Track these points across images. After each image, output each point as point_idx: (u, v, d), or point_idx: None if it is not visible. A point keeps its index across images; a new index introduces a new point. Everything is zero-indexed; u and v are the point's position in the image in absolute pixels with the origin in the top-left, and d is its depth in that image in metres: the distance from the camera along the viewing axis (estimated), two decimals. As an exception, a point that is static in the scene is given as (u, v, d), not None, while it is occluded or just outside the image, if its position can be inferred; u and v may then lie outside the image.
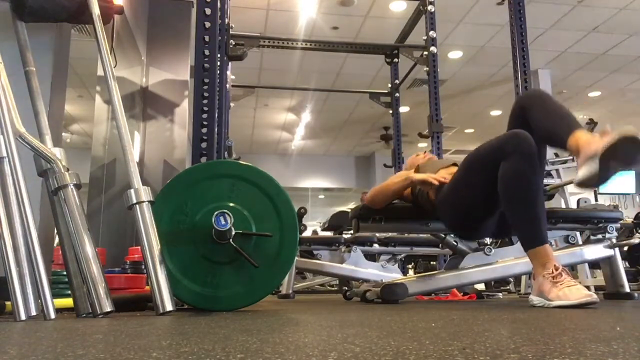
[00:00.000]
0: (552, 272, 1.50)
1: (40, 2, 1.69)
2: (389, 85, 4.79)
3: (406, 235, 3.54)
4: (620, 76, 7.43)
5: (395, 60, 4.73)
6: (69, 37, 2.03)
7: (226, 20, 3.44)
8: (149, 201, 1.49)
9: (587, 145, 1.40)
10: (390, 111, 4.79)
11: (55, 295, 1.40)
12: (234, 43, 3.92)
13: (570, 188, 3.64)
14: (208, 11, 2.40)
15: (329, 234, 5.43)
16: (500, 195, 1.68)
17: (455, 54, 6.76)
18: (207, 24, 2.39)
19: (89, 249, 1.39)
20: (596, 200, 4.28)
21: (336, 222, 5.44)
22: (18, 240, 1.32)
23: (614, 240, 2.10)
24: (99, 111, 3.40)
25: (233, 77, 4.61)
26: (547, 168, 3.70)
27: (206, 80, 2.33)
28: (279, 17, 5.67)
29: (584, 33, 6.17)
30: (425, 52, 3.93)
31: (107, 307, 1.35)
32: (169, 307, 1.39)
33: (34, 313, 1.29)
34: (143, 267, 1.84)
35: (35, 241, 1.34)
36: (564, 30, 6.08)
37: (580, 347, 0.61)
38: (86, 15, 1.70)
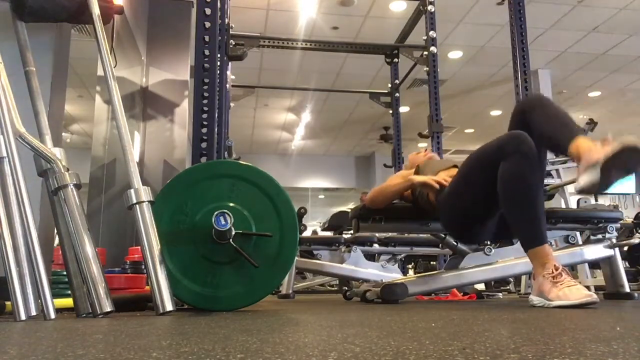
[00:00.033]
0: (552, 272, 1.50)
1: (40, 2, 1.69)
2: (389, 85, 4.79)
3: (406, 235, 3.54)
4: (620, 76, 7.44)
5: (395, 60, 4.73)
6: (69, 37, 2.03)
7: (226, 20, 3.44)
8: (149, 201, 1.49)
9: (588, 153, 1.41)
10: (390, 111, 4.79)
11: (55, 295, 1.40)
12: (234, 43, 3.92)
13: (570, 188, 3.64)
14: (208, 11, 2.40)
15: (329, 234, 5.43)
16: (499, 195, 1.68)
17: (455, 54, 6.76)
18: (207, 24, 2.39)
19: (89, 249, 1.39)
20: (596, 200, 4.28)
21: (336, 222, 5.44)
22: (18, 240, 1.32)
23: (614, 240, 2.10)
24: (99, 111, 3.40)
25: (233, 77, 4.61)
26: (547, 168, 3.70)
27: (206, 80, 2.34)
28: (279, 17, 5.67)
29: (584, 33, 6.17)
30: (425, 52, 3.93)
31: (107, 307, 1.35)
32: (169, 307, 1.39)
33: (34, 313, 1.29)
34: (143, 267, 1.84)
35: (35, 241, 1.34)
36: (564, 30, 6.08)
37: (580, 347, 0.61)
38: (86, 15, 1.70)
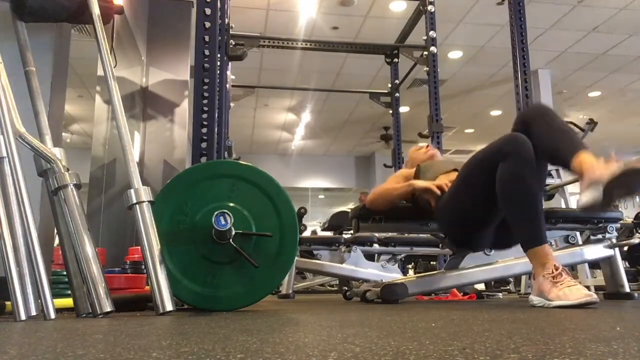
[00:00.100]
0: (552, 272, 1.50)
1: (40, 2, 1.69)
2: (389, 85, 4.80)
3: (406, 235, 3.54)
4: (620, 76, 7.44)
5: (395, 60, 4.73)
6: (69, 37, 2.03)
7: (226, 20, 3.44)
8: (149, 201, 1.49)
9: (591, 170, 1.41)
10: (390, 111, 4.79)
11: (55, 295, 1.40)
12: (234, 43, 3.92)
13: (571, 188, 3.64)
14: (208, 11, 2.40)
15: (328, 234, 5.43)
16: (498, 196, 1.68)
17: (455, 54, 6.76)
18: (207, 24, 2.39)
19: (89, 249, 1.39)
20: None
21: (336, 222, 5.44)
22: (18, 240, 1.32)
23: (614, 240, 2.10)
24: (99, 111, 3.40)
25: (233, 77, 4.61)
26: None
27: (206, 80, 2.34)
28: (279, 17, 5.67)
29: (584, 33, 6.17)
30: (425, 52, 3.93)
31: (107, 307, 1.35)
32: (169, 307, 1.39)
33: (34, 313, 1.29)
34: (143, 267, 1.84)
35: (35, 241, 1.34)
36: (564, 30, 6.08)
37: (580, 347, 0.61)
38: (86, 15, 1.70)
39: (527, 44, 3.52)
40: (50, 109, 1.80)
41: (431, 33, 3.90)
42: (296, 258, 2.44)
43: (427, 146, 2.51)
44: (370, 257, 3.70)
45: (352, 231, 3.52)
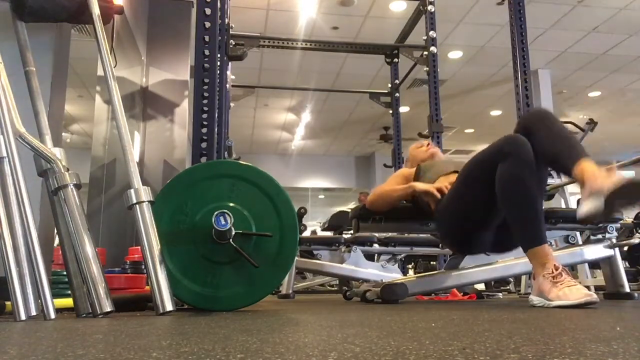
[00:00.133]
0: (552, 272, 1.50)
1: (40, 2, 1.69)
2: (389, 85, 4.80)
3: (406, 235, 3.54)
4: (620, 76, 7.44)
5: (395, 60, 4.73)
6: (69, 37, 2.03)
7: (226, 20, 3.44)
8: (149, 201, 1.49)
9: (593, 179, 1.41)
10: (390, 111, 4.79)
11: (55, 295, 1.40)
12: (234, 43, 3.93)
13: (571, 188, 3.64)
14: (208, 11, 2.40)
15: (329, 234, 5.43)
16: (498, 196, 1.68)
17: (455, 54, 6.76)
18: (207, 24, 2.39)
19: (89, 249, 1.39)
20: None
21: (336, 222, 5.44)
22: (18, 240, 1.32)
23: (614, 240, 2.10)
24: (99, 111, 3.40)
25: (233, 77, 4.61)
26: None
27: (206, 80, 2.34)
28: (279, 17, 5.67)
29: (584, 33, 6.17)
30: (425, 52, 3.93)
31: (107, 307, 1.35)
32: (169, 307, 1.39)
33: (34, 313, 1.29)
34: (143, 267, 1.84)
35: (35, 241, 1.34)
36: (564, 30, 6.08)
37: (580, 347, 0.61)
38: (86, 15, 1.70)
39: (527, 44, 3.52)
40: (50, 109, 1.80)
41: (431, 33, 3.90)
42: (296, 258, 2.44)
43: (428, 144, 2.50)
44: (370, 257, 3.70)
45: (352, 231, 3.52)
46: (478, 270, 2.05)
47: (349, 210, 2.46)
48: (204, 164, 1.98)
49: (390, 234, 3.53)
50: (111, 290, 1.41)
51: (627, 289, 2.13)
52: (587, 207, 1.40)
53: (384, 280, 2.79)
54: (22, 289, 1.28)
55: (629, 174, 1.38)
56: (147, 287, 1.82)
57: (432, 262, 5.37)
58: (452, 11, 5.55)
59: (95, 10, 1.67)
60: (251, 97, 6.93)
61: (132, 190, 1.49)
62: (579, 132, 4.17)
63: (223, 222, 1.48)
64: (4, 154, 1.39)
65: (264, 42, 4.44)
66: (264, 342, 0.71)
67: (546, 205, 2.12)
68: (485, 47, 6.53)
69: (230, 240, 1.52)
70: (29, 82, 1.63)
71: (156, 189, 2.08)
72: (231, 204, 1.58)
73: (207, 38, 2.38)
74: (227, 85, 3.94)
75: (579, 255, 2.11)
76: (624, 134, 10.13)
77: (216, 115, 2.38)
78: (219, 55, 2.56)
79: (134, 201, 1.47)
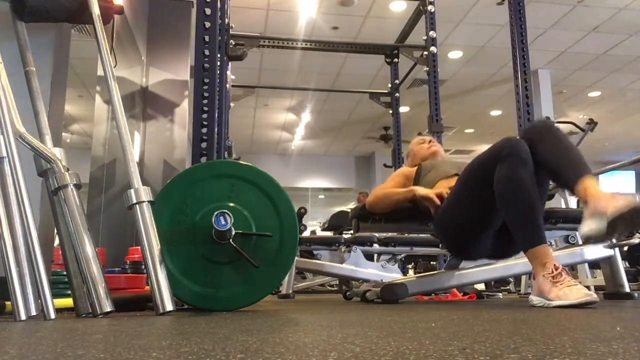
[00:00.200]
0: (552, 272, 1.50)
1: (41, 2, 1.69)
2: (389, 85, 4.80)
3: (406, 235, 3.54)
4: (620, 76, 7.44)
5: (395, 60, 4.73)
6: (69, 37, 2.03)
7: (226, 20, 3.44)
8: (149, 201, 1.49)
9: (596, 200, 1.43)
10: (390, 111, 4.79)
11: (55, 295, 1.40)
12: (234, 43, 3.93)
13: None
14: (208, 11, 2.40)
15: (328, 234, 5.43)
16: (496, 197, 1.68)
17: (455, 54, 6.76)
18: (207, 24, 2.39)
19: (89, 249, 1.39)
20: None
21: (336, 222, 5.44)
22: (18, 240, 1.32)
23: (614, 240, 2.10)
24: (99, 111, 3.40)
25: (233, 77, 4.61)
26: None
27: (206, 80, 2.34)
28: (279, 17, 5.67)
29: (584, 33, 6.17)
30: (425, 52, 3.93)
31: (107, 307, 1.35)
32: (169, 307, 1.39)
33: (34, 313, 1.29)
34: (143, 267, 1.84)
35: (35, 241, 1.34)
36: (564, 30, 6.08)
37: (580, 347, 0.61)
38: (86, 15, 1.70)
39: (527, 44, 3.52)
40: (50, 109, 1.80)
41: (431, 33, 3.90)
42: (296, 258, 2.44)
43: (430, 141, 2.49)
44: (370, 257, 3.70)
45: (352, 231, 3.52)
46: (478, 270, 2.05)
47: (349, 210, 2.47)
48: (204, 164, 1.98)
49: (390, 234, 3.53)
50: (111, 290, 1.41)
51: (627, 289, 2.13)
52: (589, 227, 1.43)
53: (384, 280, 2.79)
54: (22, 289, 1.28)
55: (631, 198, 1.39)
56: (147, 287, 1.82)
57: (432, 262, 5.37)
58: (452, 11, 5.55)
59: (95, 10, 1.67)
60: (251, 97, 6.94)
61: (132, 190, 1.49)
62: (579, 132, 4.17)
63: (223, 222, 1.48)
64: (4, 154, 1.39)
65: (264, 42, 4.44)
66: (264, 342, 0.71)
67: (546, 205, 2.12)
68: (485, 47, 6.53)
69: (230, 240, 1.52)
70: (29, 82, 1.63)
71: (156, 189, 2.08)
72: (231, 204, 1.58)
73: (207, 38, 2.38)
74: (227, 85, 3.94)
75: (579, 255, 2.11)
76: (624, 134, 10.13)
77: (216, 115, 2.38)
78: (219, 55, 2.56)
79: (134, 201, 1.47)
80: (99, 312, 1.34)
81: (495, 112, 8.98)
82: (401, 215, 2.19)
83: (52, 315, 1.30)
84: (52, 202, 1.49)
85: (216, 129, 2.39)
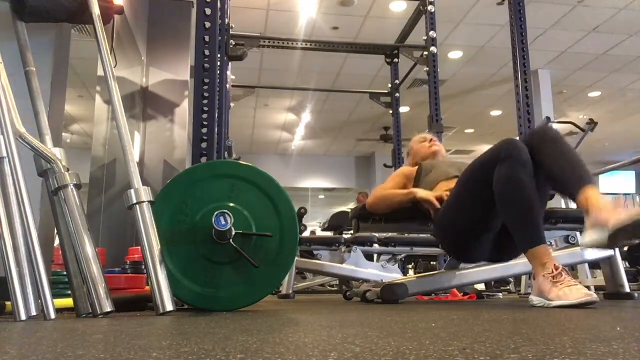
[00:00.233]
0: (552, 272, 1.50)
1: (41, 2, 1.69)
2: (389, 85, 4.79)
3: (406, 235, 3.54)
4: (620, 76, 7.44)
5: (395, 60, 4.73)
6: (69, 37, 2.03)
7: (226, 20, 3.44)
8: (149, 201, 1.49)
9: (598, 211, 1.43)
10: (390, 111, 4.79)
11: (55, 295, 1.40)
12: (234, 43, 3.92)
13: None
14: (208, 11, 2.40)
15: (328, 234, 5.43)
16: (496, 198, 1.68)
17: (455, 54, 6.76)
18: (207, 24, 2.39)
19: (89, 249, 1.39)
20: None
21: (336, 222, 5.44)
22: (18, 240, 1.32)
23: (614, 241, 2.10)
24: (99, 111, 3.40)
25: (233, 77, 4.61)
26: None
27: (206, 80, 2.33)
28: (279, 17, 5.67)
29: (584, 33, 6.17)
30: (425, 52, 3.93)
31: (107, 307, 1.35)
32: (169, 307, 1.39)
33: (34, 313, 1.29)
34: (143, 267, 1.84)
35: (35, 241, 1.34)
36: (564, 30, 6.08)
37: (580, 347, 0.61)
38: (86, 15, 1.70)
39: (527, 44, 3.52)
40: (50, 109, 1.80)
41: (431, 33, 3.90)
42: (296, 258, 2.44)
43: (431, 139, 2.49)
44: (370, 257, 3.70)
45: (352, 231, 3.52)
46: (478, 270, 2.05)
47: (349, 210, 2.47)
48: (204, 164, 1.98)
49: (390, 234, 3.53)
50: (111, 290, 1.41)
51: (627, 289, 2.13)
52: (590, 238, 1.43)
53: (384, 280, 2.79)
54: (22, 289, 1.28)
55: (632, 211, 1.39)
56: (147, 287, 1.82)
57: (432, 262, 5.37)
58: (452, 11, 5.55)
59: (95, 10, 1.67)
60: (251, 97, 6.93)
61: (132, 190, 1.49)
62: (579, 132, 4.17)
63: (223, 222, 1.48)
64: (4, 154, 1.39)
65: (264, 42, 4.43)
66: (264, 342, 0.71)
67: (546, 205, 2.12)
68: (485, 47, 6.53)
69: (230, 240, 1.52)
70: (29, 82, 1.63)
71: (156, 189, 2.08)
72: (231, 204, 1.58)
73: (207, 38, 2.38)
74: (227, 85, 3.94)
75: (579, 255, 2.11)
76: (624, 134, 10.13)
77: (216, 115, 2.38)
78: (219, 55, 2.56)
79: (134, 201, 1.47)
80: (99, 312, 1.34)
81: (495, 112, 8.98)
82: (401, 216, 2.19)
83: (52, 315, 1.30)
84: (52, 202, 1.49)
85: (216, 129, 2.39)
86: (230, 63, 4.03)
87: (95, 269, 1.38)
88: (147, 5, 3.75)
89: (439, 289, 2.45)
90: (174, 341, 0.75)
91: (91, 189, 3.24)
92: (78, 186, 1.47)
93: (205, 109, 2.31)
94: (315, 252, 3.78)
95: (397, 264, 3.74)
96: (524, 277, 3.42)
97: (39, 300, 1.30)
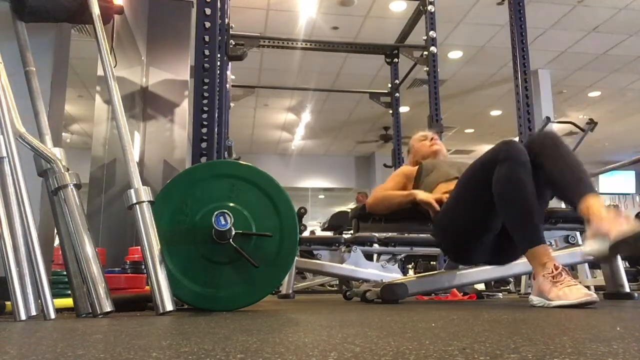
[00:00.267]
0: (552, 272, 1.50)
1: (41, 2, 1.69)
2: (389, 85, 4.79)
3: (406, 235, 3.54)
4: (620, 76, 7.44)
5: (395, 60, 4.73)
6: (69, 37, 2.03)
7: (226, 20, 3.44)
8: (149, 201, 1.49)
9: (599, 220, 1.43)
10: (390, 111, 4.79)
11: (55, 295, 1.40)
12: (234, 43, 3.92)
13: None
14: (208, 11, 2.40)
15: (329, 234, 5.43)
16: (495, 198, 1.68)
17: (455, 54, 6.76)
18: (207, 24, 2.39)
19: (89, 249, 1.39)
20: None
21: (336, 222, 5.44)
22: (18, 240, 1.32)
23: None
24: (99, 111, 3.40)
25: (233, 77, 4.61)
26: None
27: (206, 80, 2.33)
28: (279, 17, 5.67)
29: (584, 33, 6.17)
30: (425, 52, 3.93)
31: (107, 307, 1.35)
32: (169, 307, 1.39)
33: (34, 313, 1.29)
34: (143, 267, 1.84)
35: (35, 241, 1.34)
36: (564, 30, 6.08)
37: (580, 347, 0.61)
38: (86, 15, 1.70)
39: (527, 44, 3.52)
40: (50, 109, 1.80)
41: (431, 33, 3.90)
42: (296, 258, 2.44)
43: (432, 138, 2.49)
44: (370, 257, 3.70)
45: (352, 231, 3.52)
46: (478, 270, 2.06)
47: (349, 210, 2.47)
48: (204, 164, 1.98)
49: (390, 234, 3.53)
50: (111, 290, 1.41)
51: (627, 289, 2.13)
52: (591, 247, 1.43)
53: (384, 280, 2.79)
54: (22, 289, 1.28)
55: (634, 223, 1.39)
56: (147, 287, 1.82)
57: (432, 262, 5.37)
58: (452, 11, 5.55)
59: (95, 10, 1.67)
60: (251, 97, 6.93)
61: (132, 190, 1.49)
62: (579, 132, 4.17)
63: (223, 222, 1.48)
64: (4, 154, 1.39)
65: (264, 42, 4.43)
66: (264, 342, 0.71)
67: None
68: (485, 47, 6.53)
69: (230, 240, 1.52)
70: (29, 82, 1.63)
71: (156, 189, 2.08)
72: (231, 204, 1.58)
73: (207, 38, 2.37)
74: (227, 85, 3.94)
75: (579, 255, 2.11)
76: (624, 134, 10.13)
77: (216, 115, 2.38)
78: (219, 55, 2.56)
79: (134, 201, 1.47)
80: (99, 312, 1.34)
81: (495, 112, 8.98)
82: (401, 216, 2.19)
83: (52, 315, 1.30)
84: (52, 202, 1.49)
85: (216, 129, 2.39)
86: (230, 63, 4.03)
87: (95, 269, 1.38)
88: (147, 5, 3.75)
89: (439, 289, 2.45)
90: (174, 341, 0.75)
91: (91, 189, 3.24)
92: (78, 186, 1.47)
93: (205, 109, 2.31)
94: (315, 252, 3.79)
95: (397, 264, 3.74)
96: (524, 277, 3.42)
97: (39, 300, 1.30)
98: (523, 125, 3.33)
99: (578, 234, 2.28)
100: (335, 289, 5.54)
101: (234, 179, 1.62)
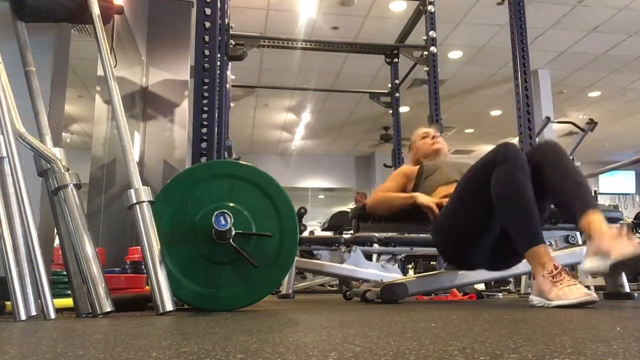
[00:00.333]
0: (552, 272, 1.50)
1: (41, 2, 1.69)
2: (389, 85, 4.79)
3: (406, 235, 3.54)
4: (620, 76, 7.44)
5: (395, 60, 4.73)
6: (69, 37, 2.03)
7: (226, 20, 3.44)
8: (149, 201, 1.49)
9: (600, 237, 1.43)
10: (390, 111, 4.79)
11: (55, 295, 1.40)
12: (234, 43, 3.92)
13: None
14: (208, 11, 2.40)
15: (328, 234, 5.43)
16: (494, 200, 1.68)
17: (455, 54, 6.76)
18: (207, 24, 2.39)
19: (89, 249, 1.39)
20: (596, 200, 4.27)
21: (336, 222, 5.44)
22: (18, 240, 1.32)
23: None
24: (99, 111, 3.40)
25: (233, 77, 4.61)
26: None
27: (206, 80, 2.33)
28: (279, 17, 5.67)
29: (584, 33, 6.17)
30: (425, 52, 3.92)
31: (107, 307, 1.35)
32: (169, 307, 1.39)
33: (34, 313, 1.29)
34: (143, 267, 1.84)
35: (35, 241, 1.34)
36: (564, 30, 6.08)
37: (580, 347, 0.61)
38: (86, 15, 1.70)
39: (527, 44, 3.51)
40: (50, 109, 1.80)
41: (431, 33, 3.90)
42: (296, 258, 2.44)
43: (434, 137, 2.49)
44: (369, 257, 3.70)
45: (352, 231, 3.52)
46: (478, 270, 2.05)
47: (349, 210, 2.47)
48: (204, 164, 1.98)
49: (390, 234, 3.53)
50: (111, 290, 1.41)
51: (627, 289, 2.13)
52: (592, 265, 1.43)
53: (384, 280, 2.79)
54: (22, 289, 1.28)
55: (635, 243, 1.39)
56: (147, 287, 1.82)
57: (432, 262, 5.37)
58: (452, 11, 5.55)
59: (95, 10, 1.67)
60: (251, 97, 6.94)
61: (132, 190, 1.49)
62: (579, 132, 4.17)
63: (223, 222, 1.48)
64: (4, 154, 1.39)
65: (264, 42, 4.43)
66: (264, 342, 0.71)
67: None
68: (485, 47, 6.53)
69: (230, 240, 1.52)
70: (29, 82, 1.63)
71: (156, 189, 2.08)
72: (231, 204, 1.58)
73: (207, 38, 2.37)
74: (227, 85, 3.94)
75: (579, 255, 2.11)
76: (624, 134, 10.13)
77: (216, 115, 2.38)
78: (219, 55, 2.56)
79: (134, 201, 1.47)
80: (99, 312, 1.34)
81: (495, 112, 8.98)
82: (401, 216, 2.19)
83: (52, 315, 1.30)
84: (52, 202, 1.49)
85: (216, 129, 2.39)
86: (230, 63, 4.02)
87: (95, 269, 1.38)
88: (147, 5, 3.75)
89: (439, 289, 2.45)
90: (174, 341, 0.75)
91: (91, 189, 3.24)
92: (78, 186, 1.47)
93: (205, 109, 2.31)
94: (315, 252, 3.79)
95: (397, 264, 3.74)
96: (524, 277, 3.42)
97: (39, 300, 1.30)
98: (523, 125, 3.33)
99: (578, 234, 2.28)
100: (335, 289, 5.54)
101: (234, 179, 1.62)
